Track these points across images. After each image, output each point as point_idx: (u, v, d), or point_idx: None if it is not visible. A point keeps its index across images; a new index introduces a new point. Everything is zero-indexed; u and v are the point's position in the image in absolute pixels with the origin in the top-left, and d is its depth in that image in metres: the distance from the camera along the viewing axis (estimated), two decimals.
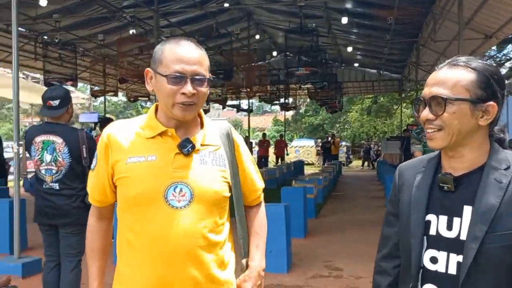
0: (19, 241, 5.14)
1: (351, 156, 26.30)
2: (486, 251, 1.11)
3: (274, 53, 17.07)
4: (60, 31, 9.26)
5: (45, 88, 10.72)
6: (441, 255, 1.19)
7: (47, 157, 3.42)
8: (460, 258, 1.15)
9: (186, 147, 1.34)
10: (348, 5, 10.66)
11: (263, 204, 1.63)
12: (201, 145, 1.38)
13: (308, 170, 17.55)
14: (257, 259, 1.52)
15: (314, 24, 10.55)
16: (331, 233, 6.80)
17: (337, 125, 37.13)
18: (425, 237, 1.22)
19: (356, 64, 18.92)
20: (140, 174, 1.31)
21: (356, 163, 25.74)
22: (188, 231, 1.31)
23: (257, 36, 14.41)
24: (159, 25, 8.70)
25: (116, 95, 12.85)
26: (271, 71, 15.10)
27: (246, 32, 12.54)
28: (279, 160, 18.64)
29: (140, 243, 1.32)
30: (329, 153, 20.39)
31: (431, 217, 1.22)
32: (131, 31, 10.75)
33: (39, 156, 3.43)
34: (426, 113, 1.18)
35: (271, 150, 19.37)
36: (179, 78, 1.29)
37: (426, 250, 1.21)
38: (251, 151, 22.22)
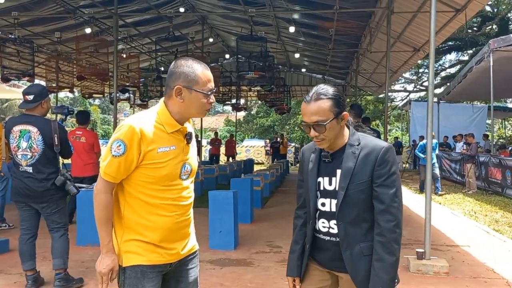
0: None
1: (299, 157, 27.33)
2: (349, 194, 1.86)
3: (227, 56, 17.68)
4: (17, 28, 9.37)
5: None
6: (327, 201, 1.94)
7: (23, 144, 3.84)
8: (336, 201, 1.90)
9: (190, 139, 1.99)
10: (295, 16, 11.53)
11: None
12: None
13: (258, 169, 18.33)
14: None
15: (263, 32, 11.27)
16: (274, 220, 7.55)
17: (287, 127, 38.20)
18: (318, 192, 1.96)
19: (303, 70, 19.84)
20: (167, 159, 1.87)
21: None
22: (189, 193, 2.00)
23: (211, 40, 14.92)
24: (118, 25, 9.08)
25: (72, 91, 12.97)
26: (223, 72, 15.65)
27: (201, 35, 13.03)
28: (230, 159, 19.21)
29: (161, 203, 1.89)
30: (278, 153, 21.27)
31: (320, 179, 1.96)
32: (87, 30, 11.01)
33: (17, 143, 3.85)
34: (313, 133, 1.85)
35: (222, 150, 19.90)
36: (210, 92, 1.91)
37: (319, 199, 1.96)
38: (201, 150, 21.62)
